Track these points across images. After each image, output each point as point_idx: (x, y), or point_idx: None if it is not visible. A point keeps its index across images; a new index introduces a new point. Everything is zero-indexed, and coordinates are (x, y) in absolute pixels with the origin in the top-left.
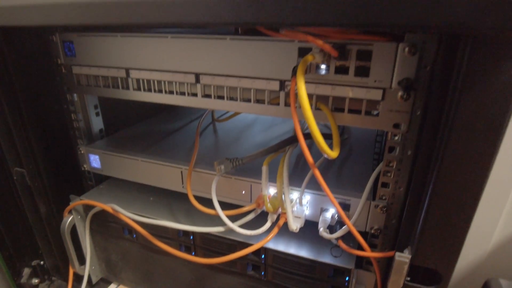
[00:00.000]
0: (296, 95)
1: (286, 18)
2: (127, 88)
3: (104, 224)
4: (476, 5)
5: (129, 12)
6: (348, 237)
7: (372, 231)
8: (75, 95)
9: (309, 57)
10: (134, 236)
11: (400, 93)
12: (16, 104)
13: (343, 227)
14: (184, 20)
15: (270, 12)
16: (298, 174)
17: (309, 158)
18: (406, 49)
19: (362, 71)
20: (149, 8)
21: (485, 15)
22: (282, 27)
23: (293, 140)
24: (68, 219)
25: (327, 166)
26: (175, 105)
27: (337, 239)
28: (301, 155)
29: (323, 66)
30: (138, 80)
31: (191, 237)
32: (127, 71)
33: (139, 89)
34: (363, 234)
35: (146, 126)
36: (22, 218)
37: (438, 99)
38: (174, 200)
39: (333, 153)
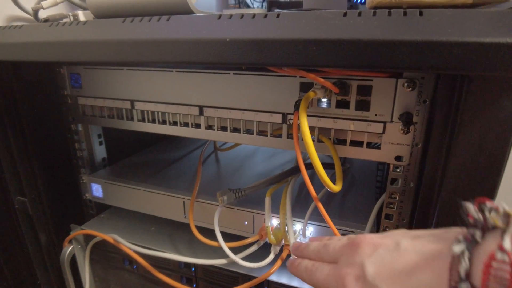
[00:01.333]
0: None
1: (289, 61)
2: (132, 119)
3: (104, 255)
4: (470, 49)
5: (137, 50)
6: None
7: None
8: (79, 125)
9: (311, 94)
10: (135, 267)
11: (400, 127)
12: (21, 133)
13: None
14: (192, 60)
15: (274, 56)
16: (301, 204)
17: (313, 192)
18: (405, 85)
19: (363, 105)
20: (157, 47)
21: (480, 59)
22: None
23: (295, 170)
24: (68, 249)
25: (330, 196)
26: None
27: None
28: (303, 185)
29: (324, 100)
30: (142, 112)
31: (193, 269)
32: (132, 103)
33: (143, 120)
34: None
35: (148, 154)
36: (22, 247)
37: (438, 132)
38: (176, 230)
39: (336, 187)
